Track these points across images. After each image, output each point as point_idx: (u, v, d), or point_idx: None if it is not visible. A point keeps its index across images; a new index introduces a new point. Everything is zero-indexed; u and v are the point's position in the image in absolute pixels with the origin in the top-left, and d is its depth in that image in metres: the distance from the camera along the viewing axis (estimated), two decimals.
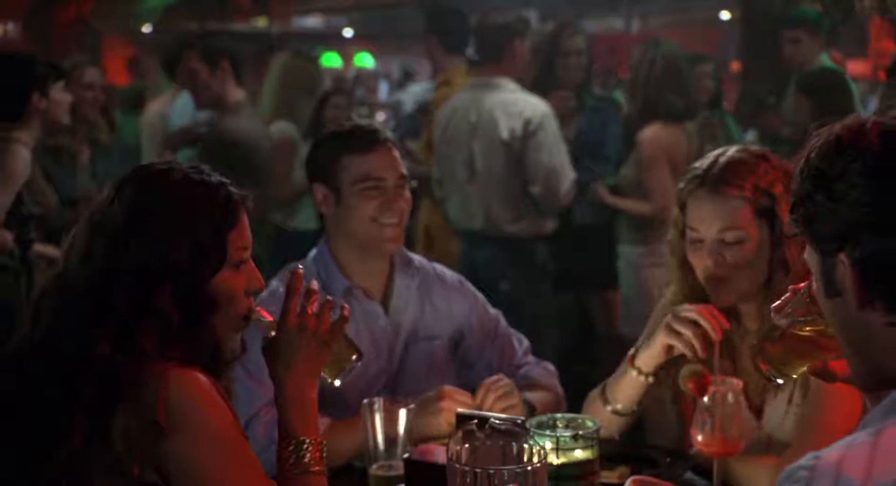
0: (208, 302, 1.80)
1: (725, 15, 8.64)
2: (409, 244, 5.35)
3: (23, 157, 4.12)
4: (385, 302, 2.73)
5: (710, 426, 2.17)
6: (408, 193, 2.70)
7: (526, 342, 2.90)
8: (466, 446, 1.88)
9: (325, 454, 1.90)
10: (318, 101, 5.59)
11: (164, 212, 1.78)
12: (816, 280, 1.45)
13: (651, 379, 2.40)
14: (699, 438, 2.17)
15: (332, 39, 11.34)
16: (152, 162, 1.96)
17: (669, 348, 2.33)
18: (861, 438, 1.27)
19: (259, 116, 5.05)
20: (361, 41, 11.48)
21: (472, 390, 2.57)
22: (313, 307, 1.95)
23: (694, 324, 2.27)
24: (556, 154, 4.64)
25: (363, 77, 10.85)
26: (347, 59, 12.33)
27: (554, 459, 2.09)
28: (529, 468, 1.82)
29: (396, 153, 2.70)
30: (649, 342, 2.38)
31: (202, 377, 1.75)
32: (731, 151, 2.33)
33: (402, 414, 2.28)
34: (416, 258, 2.81)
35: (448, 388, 2.47)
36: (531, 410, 2.58)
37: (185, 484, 1.71)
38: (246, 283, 1.87)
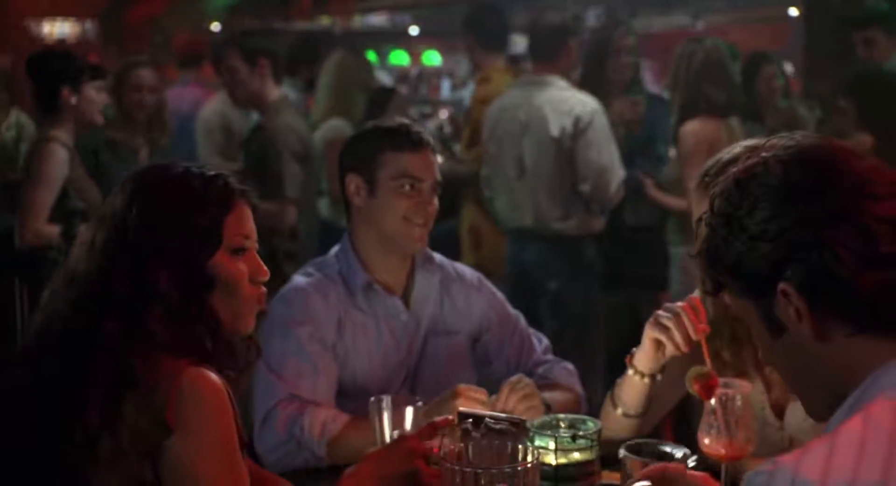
0: (205, 282, 1.84)
1: (794, 11, 8.48)
2: (456, 245, 5.41)
3: (59, 156, 4.24)
4: (406, 297, 2.74)
5: (716, 429, 2.14)
6: (436, 200, 2.71)
7: (546, 341, 2.89)
8: (459, 445, 1.89)
9: None
10: (370, 98, 5.63)
11: (160, 199, 1.85)
12: (755, 327, 1.45)
13: (647, 380, 2.37)
14: (706, 441, 2.15)
15: (398, 37, 11.40)
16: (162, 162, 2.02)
17: (658, 344, 2.30)
18: (818, 441, 1.26)
19: (298, 115, 5.08)
20: (428, 39, 11.52)
21: (490, 387, 2.57)
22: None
23: (678, 317, 2.25)
24: (605, 152, 4.62)
25: (426, 75, 10.89)
26: (416, 56, 12.40)
27: (552, 459, 2.09)
28: (519, 468, 1.82)
29: (435, 158, 2.71)
30: (642, 339, 2.36)
31: (216, 379, 1.77)
32: (737, 148, 2.30)
33: (409, 412, 2.29)
34: (437, 256, 2.82)
35: (463, 386, 2.47)
36: (547, 409, 2.57)
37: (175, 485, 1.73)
38: (250, 271, 1.91)
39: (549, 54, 4.75)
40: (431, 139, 2.72)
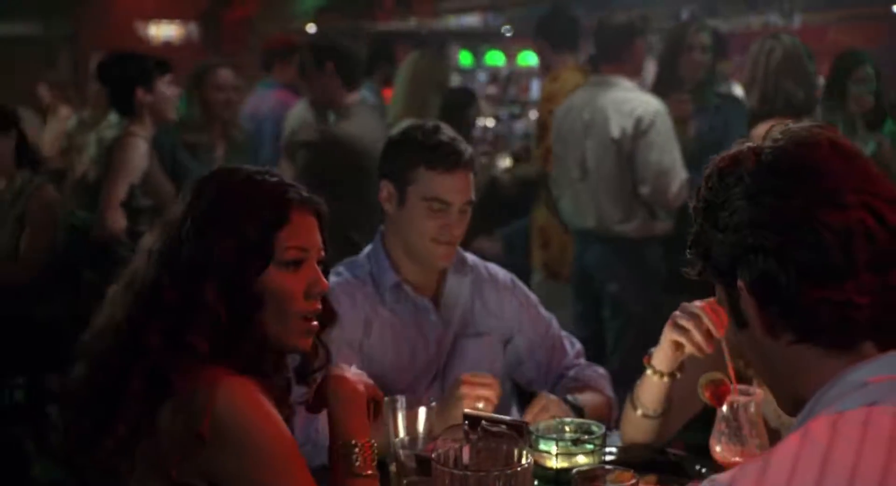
0: (253, 300, 1.80)
1: None
2: (525, 245, 5.39)
3: (140, 149, 4.35)
4: (436, 297, 2.75)
5: (727, 436, 2.10)
6: (468, 216, 2.69)
7: (578, 346, 2.87)
8: (453, 447, 1.89)
9: (376, 457, 1.90)
10: (446, 98, 5.64)
11: (215, 210, 1.82)
12: (728, 315, 1.45)
13: (667, 379, 2.34)
14: (717, 448, 2.12)
15: (493, 38, 11.39)
16: (229, 165, 2.01)
17: (678, 344, 2.27)
18: (756, 457, 1.24)
19: (374, 117, 5.11)
20: (524, 40, 11.47)
21: (522, 389, 2.56)
22: None
23: (697, 319, 2.21)
24: (667, 154, 4.55)
25: (516, 75, 10.87)
26: (511, 57, 12.35)
27: (554, 463, 2.08)
28: (508, 471, 1.82)
29: (472, 177, 2.67)
30: (661, 340, 2.33)
31: (254, 388, 1.75)
32: None
33: (423, 412, 2.30)
34: (470, 257, 2.82)
35: (466, 374, 2.47)
36: (579, 411, 2.55)
37: None
38: (304, 284, 1.86)
39: (615, 55, 4.70)
40: (470, 154, 2.67)
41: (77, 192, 5.16)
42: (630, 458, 2.40)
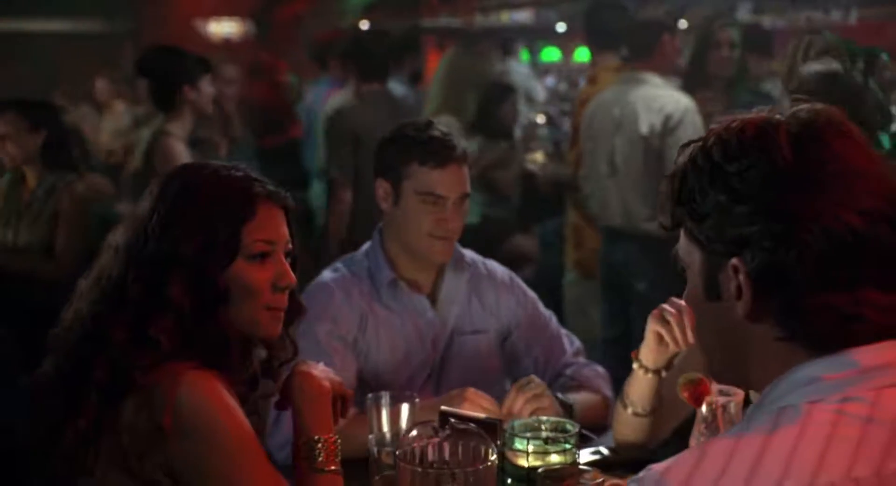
0: (219, 293, 1.82)
1: None
2: (560, 244, 5.37)
3: (179, 149, 4.40)
4: (433, 295, 2.75)
5: (706, 437, 2.07)
6: (466, 207, 2.69)
7: (578, 344, 2.85)
8: (420, 444, 1.89)
9: (340, 453, 1.91)
10: (485, 94, 5.64)
11: (181, 205, 1.83)
12: (694, 277, 1.34)
13: (651, 375, 2.32)
14: None
15: (548, 34, 11.33)
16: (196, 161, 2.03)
17: (660, 337, 2.25)
18: (693, 448, 1.24)
19: (388, 109, 5.14)
20: (579, 36, 11.39)
21: None
22: None
23: (680, 314, 2.19)
24: None
25: (566, 71, 10.79)
26: (568, 53, 12.27)
27: (526, 462, 2.07)
28: (469, 469, 1.81)
29: (466, 169, 2.66)
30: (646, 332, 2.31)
31: (215, 382, 1.76)
32: None
33: (405, 409, 2.30)
34: (468, 254, 2.81)
35: (471, 391, 2.47)
36: (569, 409, 2.54)
37: None
38: (271, 277, 1.87)
39: (644, 51, 4.66)
40: (462, 150, 2.66)
41: (132, 187, 5.26)
42: (620, 459, 2.39)
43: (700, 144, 1.32)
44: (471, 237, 2.87)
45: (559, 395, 2.57)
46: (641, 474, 1.24)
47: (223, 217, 1.83)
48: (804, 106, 1.31)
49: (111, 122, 9.02)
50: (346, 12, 9.06)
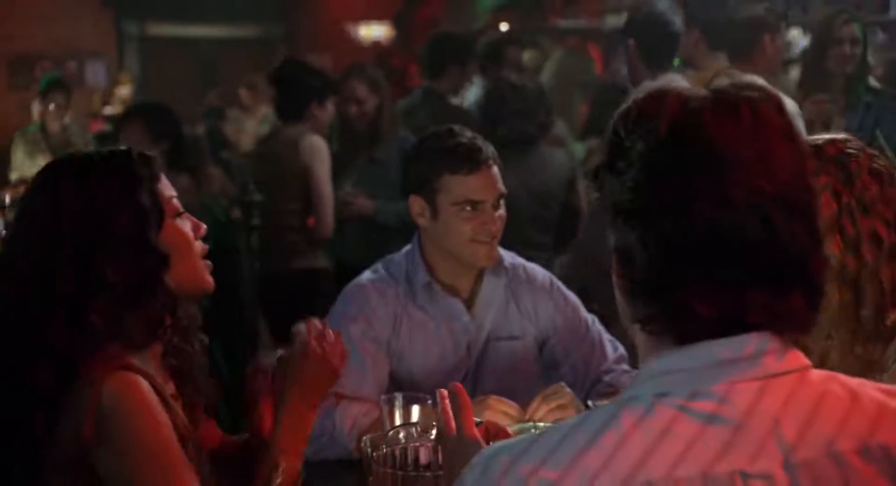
0: (159, 257, 1.83)
1: None
2: None
3: (321, 146, 4.52)
4: (470, 300, 2.73)
5: None
6: (503, 210, 2.66)
7: (621, 350, 2.77)
8: (396, 447, 1.88)
9: (300, 481, 1.91)
10: (595, 97, 5.56)
11: (88, 190, 1.81)
12: None
13: None
14: None
15: None
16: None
17: None
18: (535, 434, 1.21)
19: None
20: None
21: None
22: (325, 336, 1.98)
23: None
24: None
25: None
26: None
27: None
28: (440, 473, 1.79)
29: (496, 171, 2.64)
30: None
31: (142, 385, 1.74)
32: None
33: (416, 410, 2.28)
34: (508, 258, 2.77)
35: (493, 398, 2.44)
36: None
37: None
38: (193, 229, 1.91)
39: (743, 52, 4.46)
40: (490, 152, 2.63)
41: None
42: None
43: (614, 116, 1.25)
44: None
45: (589, 402, 2.51)
46: (476, 458, 1.20)
47: (139, 186, 1.83)
48: (727, 81, 1.21)
49: (252, 125, 9.31)
50: (479, 14, 9.08)
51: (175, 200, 1.89)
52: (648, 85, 1.25)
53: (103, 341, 1.77)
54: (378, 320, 2.64)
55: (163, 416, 1.75)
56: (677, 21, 4.33)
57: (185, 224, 1.90)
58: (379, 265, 2.77)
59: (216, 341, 4.63)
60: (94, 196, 1.81)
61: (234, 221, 4.98)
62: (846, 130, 4.64)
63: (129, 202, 1.82)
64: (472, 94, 5.99)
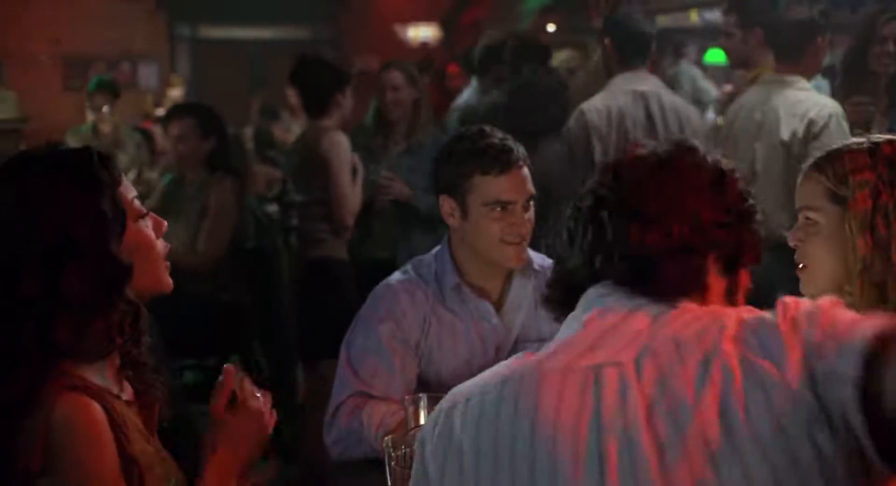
0: (124, 266, 1.77)
1: None
2: None
3: (343, 139, 4.56)
4: (500, 301, 2.73)
5: None
6: (532, 211, 2.67)
7: None
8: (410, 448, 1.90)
9: None
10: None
11: (47, 192, 1.75)
12: None
13: None
14: None
15: (716, 35, 10.93)
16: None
17: None
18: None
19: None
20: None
21: None
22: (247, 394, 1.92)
23: None
24: None
25: (717, 72, 10.40)
26: None
27: None
28: None
29: (527, 171, 2.65)
30: None
31: (93, 411, 1.70)
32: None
33: None
34: (538, 260, 2.77)
35: None
36: None
37: None
38: (155, 228, 1.88)
39: (793, 54, 4.42)
40: (521, 152, 2.64)
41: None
42: None
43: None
44: None
45: None
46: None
47: (96, 189, 1.77)
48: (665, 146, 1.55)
49: (298, 126, 9.38)
50: (524, 15, 9.07)
51: (136, 202, 1.85)
52: (621, 80, 1.42)
53: (64, 356, 1.73)
54: (407, 322, 2.66)
55: (110, 447, 1.72)
56: (649, 24, 4.65)
57: (148, 225, 1.86)
58: (409, 266, 2.78)
59: (256, 341, 4.71)
60: (55, 203, 1.75)
61: (275, 221, 5.04)
62: (889, 131, 4.59)
63: (90, 211, 1.76)
64: (466, 94, 6.04)
